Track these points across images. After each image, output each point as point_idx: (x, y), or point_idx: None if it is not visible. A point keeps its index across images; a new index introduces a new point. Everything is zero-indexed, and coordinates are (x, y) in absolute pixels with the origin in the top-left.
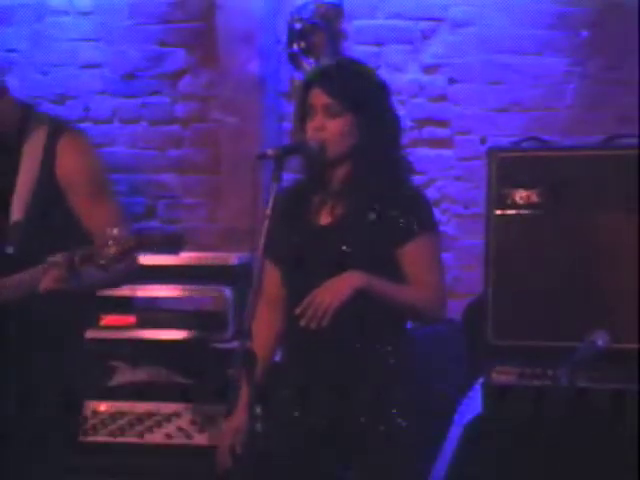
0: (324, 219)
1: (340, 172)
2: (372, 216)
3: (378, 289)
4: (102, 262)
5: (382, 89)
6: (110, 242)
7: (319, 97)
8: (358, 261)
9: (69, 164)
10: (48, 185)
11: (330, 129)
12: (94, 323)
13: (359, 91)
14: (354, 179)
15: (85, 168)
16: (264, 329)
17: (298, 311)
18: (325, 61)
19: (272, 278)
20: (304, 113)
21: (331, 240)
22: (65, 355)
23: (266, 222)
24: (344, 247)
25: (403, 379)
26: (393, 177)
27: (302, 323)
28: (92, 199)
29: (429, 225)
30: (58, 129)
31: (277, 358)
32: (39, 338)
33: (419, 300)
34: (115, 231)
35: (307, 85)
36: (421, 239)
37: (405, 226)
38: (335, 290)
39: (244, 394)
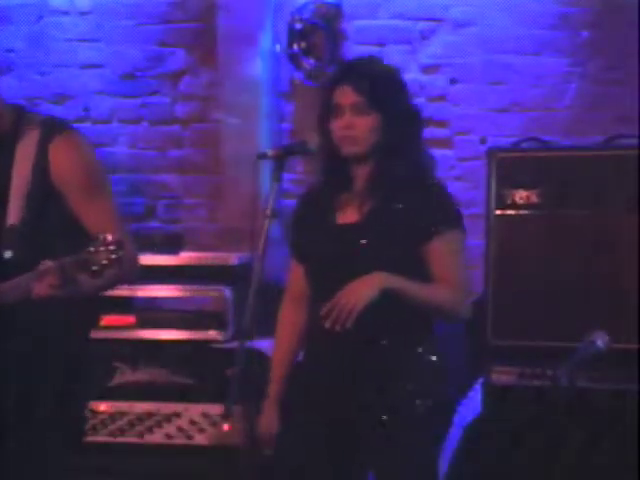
0: (349, 217)
1: (364, 170)
2: (398, 214)
3: (403, 289)
4: (94, 268)
5: (405, 87)
6: (102, 248)
7: (348, 95)
8: (384, 259)
9: (62, 164)
10: (42, 187)
11: (359, 127)
12: (96, 324)
13: (386, 89)
14: (379, 177)
15: (78, 167)
16: (288, 328)
17: (322, 313)
18: (352, 60)
19: (297, 276)
20: (327, 113)
21: (357, 238)
22: (65, 355)
23: (266, 222)
24: (371, 245)
25: (430, 378)
26: (418, 175)
27: (327, 325)
28: (87, 199)
29: (455, 222)
30: (51, 130)
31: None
32: (39, 338)
33: (445, 299)
34: (109, 236)
35: (334, 83)
36: (447, 236)
37: (431, 223)
38: (359, 292)
39: (272, 391)
